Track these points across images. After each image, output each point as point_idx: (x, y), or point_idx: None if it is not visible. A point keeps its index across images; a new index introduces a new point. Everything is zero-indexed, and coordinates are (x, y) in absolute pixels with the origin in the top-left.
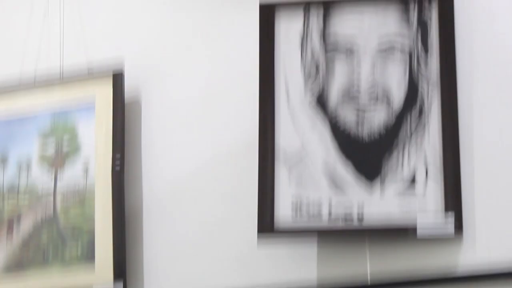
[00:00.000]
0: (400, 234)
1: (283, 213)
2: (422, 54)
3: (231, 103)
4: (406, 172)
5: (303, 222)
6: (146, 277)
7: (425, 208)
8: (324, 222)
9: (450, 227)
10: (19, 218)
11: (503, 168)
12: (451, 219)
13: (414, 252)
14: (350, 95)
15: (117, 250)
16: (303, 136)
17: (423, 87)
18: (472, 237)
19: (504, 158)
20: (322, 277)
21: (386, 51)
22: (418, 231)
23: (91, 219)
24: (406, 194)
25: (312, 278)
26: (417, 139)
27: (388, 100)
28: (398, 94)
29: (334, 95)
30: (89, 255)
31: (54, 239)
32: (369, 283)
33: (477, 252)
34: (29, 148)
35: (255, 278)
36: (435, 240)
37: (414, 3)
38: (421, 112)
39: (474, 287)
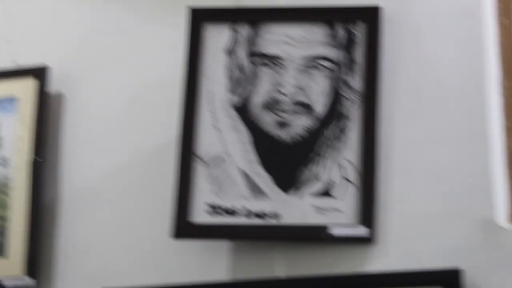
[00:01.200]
0: (315, 234)
1: (199, 210)
2: (347, 69)
3: (155, 104)
4: (324, 178)
5: (219, 219)
6: (58, 270)
7: (340, 211)
8: (240, 219)
9: (363, 232)
10: None
11: (416, 182)
12: (365, 226)
13: (327, 255)
14: (273, 100)
15: (30, 240)
16: (224, 139)
17: (346, 99)
18: (384, 246)
19: (418, 173)
20: (236, 272)
21: (311, 65)
22: (333, 232)
23: (4, 206)
24: (323, 199)
25: (226, 273)
26: (337, 149)
27: (310, 108)
28: (321, 103)
29: (257, 100)
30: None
31: None
32: (282, 278)
33: (387, 261)
34: None
35: (170, 274)
36: (347, 246)
37: (340, 23)
38: (342, 123)
39: None
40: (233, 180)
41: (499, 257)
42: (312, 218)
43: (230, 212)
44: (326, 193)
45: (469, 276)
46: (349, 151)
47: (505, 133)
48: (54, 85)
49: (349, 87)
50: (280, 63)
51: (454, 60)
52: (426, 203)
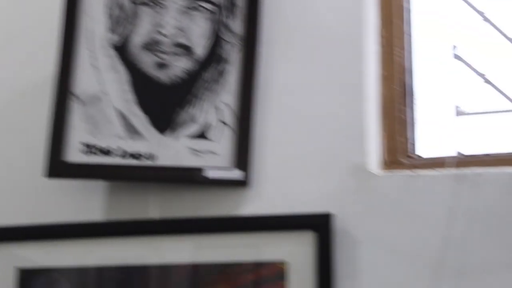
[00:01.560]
0: (190, 176)
1: (74, 149)
2: (228, 12)
3: (32, 40)
4: (200, 120)
5: (94, 159)
6: None
7: (216, 154)
8: (115, 159)
9: (238, 175)
10: None
11: (292, 127)
12: (240, 169)
13: (202, 197)
14: (153, 41)
15: None
16: (102, 78)
17: (226, 42)
18: (258, 190)
19: (294, 118)
20: (110, 213)
21: (192, 6)
22: (207, 174)
23: None
24: (199, 141)
25: (101, 213)
26: (215, 92)
27: (190, 50)
28: (201, 45)
29: (137, 40)
30: None
31: None
32: (156, 219)
33: (261, 204)
34: None
35: (44, 213)
36: (222, 189)
37: None
38: (221, 66)
39: (255, 234)
40: (109, 119)
41: (369, 203)
42: (187, 160)
43: (105, 152)
44: (202, 135)
45: (340, 220)
46: (227, 94)
47: (380, 81)
48: None
49: (230, 30)
50: (161, 3)
51: (334, 8)
52: (300, 148)
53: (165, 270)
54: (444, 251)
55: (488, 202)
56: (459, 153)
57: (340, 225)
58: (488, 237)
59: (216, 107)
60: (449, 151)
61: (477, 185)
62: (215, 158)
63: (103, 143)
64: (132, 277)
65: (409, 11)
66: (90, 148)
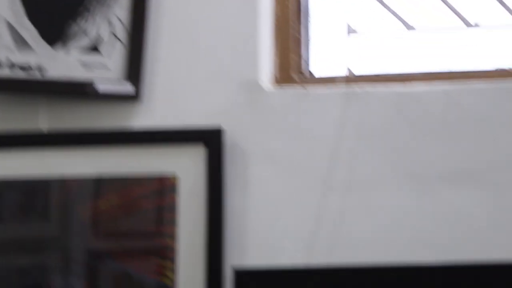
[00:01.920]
0: (81, 89)
1: None
2: None
3: None
4: (92, 33)
5: None
6: None
7: (107, 68)
8: (3, 71)
9: (129, 89)
10: None
11: (184, 42)
12: (131, 83)
13: (93, 111)
14: None
15: None
16: None
17: None
18: (149, 104)
19: (186, 34)
20: None
21: None
22: (98, 87)
23: None
24: (90, 54)
25: None
26: (106, 5)
27: None
28: None
29: None
30: None
31: None
32: (45, 132)
33: (152, 118)
34: None
35: None
36: (115, 103)
37: None
38: None
39: (146, 148)
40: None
41: (260, 118)
42: (78, 73)
43: None
44: (93, 49)
45: (230, 135)
46: (119, 8)
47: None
48: None
49: None
50: None
51: None
52: (193, 63)
53: (56, 183)
54: (332, 167)
55: (376, 120)
56: (349, 71)
57: (231, 139)
58: (375, 153)
59: (108, 21)
60: (340, 69)
61: (366, 102)
62: (106, 72)
63: None
64: (24, 191)
65: None
66: None
